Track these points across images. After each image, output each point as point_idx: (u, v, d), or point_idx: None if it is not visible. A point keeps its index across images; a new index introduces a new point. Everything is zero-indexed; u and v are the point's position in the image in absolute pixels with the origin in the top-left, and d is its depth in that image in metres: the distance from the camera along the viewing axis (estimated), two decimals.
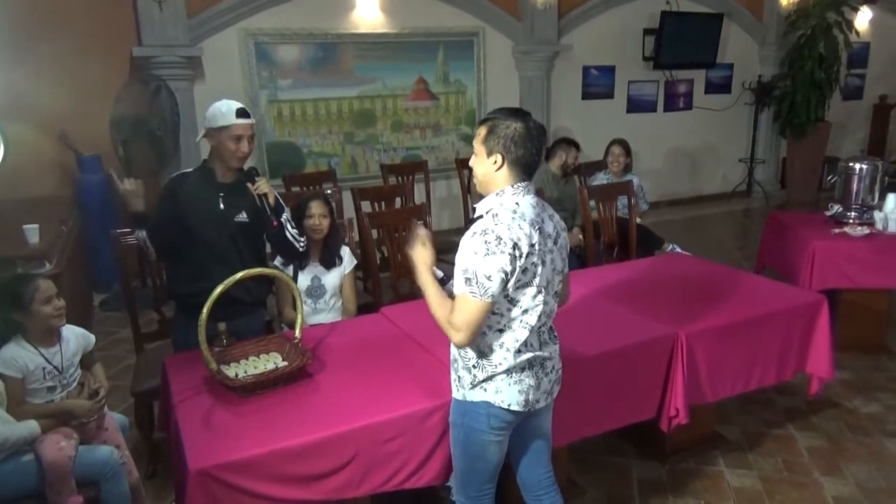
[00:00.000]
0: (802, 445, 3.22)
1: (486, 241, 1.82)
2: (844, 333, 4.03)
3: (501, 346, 1.94)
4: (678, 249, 4.69)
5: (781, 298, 3.10)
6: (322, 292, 3.24)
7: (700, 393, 2.79)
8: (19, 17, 4.98)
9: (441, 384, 2.23)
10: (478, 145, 1.95)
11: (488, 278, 1.82)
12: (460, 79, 6.96)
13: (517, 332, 1.94)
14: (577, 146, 5.00)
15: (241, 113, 2.66)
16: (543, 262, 1.91)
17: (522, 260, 1.85)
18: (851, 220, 4.31)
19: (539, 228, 1.90)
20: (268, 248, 3.01)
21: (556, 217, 2.05)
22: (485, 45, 6.95)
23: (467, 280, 1.84)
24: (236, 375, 2.33)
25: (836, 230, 4.25)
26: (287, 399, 2.25)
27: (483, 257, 1.82)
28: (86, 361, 2.60)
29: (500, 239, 1.82)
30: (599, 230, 4.52)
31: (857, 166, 4.32)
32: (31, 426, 2.26)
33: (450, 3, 6.68)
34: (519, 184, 1.93)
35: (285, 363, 2.43)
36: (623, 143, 5.09)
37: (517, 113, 1.94)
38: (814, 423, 3.40)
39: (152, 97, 5.39)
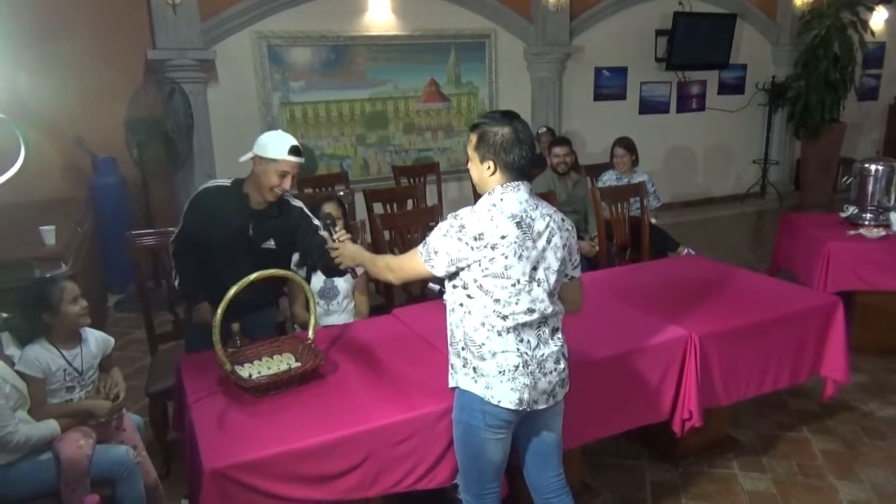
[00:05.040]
0: (817, 449, 3.19)
1: (450, 225, 1.97)
2: (860, 336, 3.99)
3: (483, 325, 1.98)
4: (693, 254, 4.66)
5: (796, 300, 3.08)
6: (335, 294, 3.25)
7: (713, 395, 2.78)
8: (35, 20, 5.05)
9: None
10: (471, 151, 2.05)
11: (435, 252, 1.99)
12: (472, 80, 6.96)
13: (492, 319, 1.97)
14: (559, 143, 4.91)
15: (294, 151, 2.67)
16: (520, 256, 1.93)
17: (487, 249, 1.91)
18: (867, 222, 4.28)
19: (518, 223, 1.93)
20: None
21: (556, 217, 2.03)
22: (496, 47, 6.95)
23: (424, 242, 2.04)
24: (250, 376, 2.34)
25: (852, 232, 4.22)
26: (300, 400, 2.26)
27: (441, 236, 1.98)
28: (104, 364, 2.63)
29: (464, 228, 1.93)
30: (612, 231, 4.51)
31: (873, 167, 4.29)
32: (52, 425, 2.30)
33: (461, 4, 6.69)
34: (509, 183, 1.99)
35: (298, 364, 2.44)
36: (625, 144, 5.07)
37: (505, 116, 2.01)
38: (828, 427, 3.37)
39: (166, 100, 5.44)
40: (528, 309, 1.97)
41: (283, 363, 2.46)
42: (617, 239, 4.53)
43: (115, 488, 2.37)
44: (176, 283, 2.90)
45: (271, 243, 2.79)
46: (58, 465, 2.26)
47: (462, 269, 1.97)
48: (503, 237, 1.91)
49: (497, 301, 1.95)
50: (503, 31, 6.95)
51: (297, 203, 2.89)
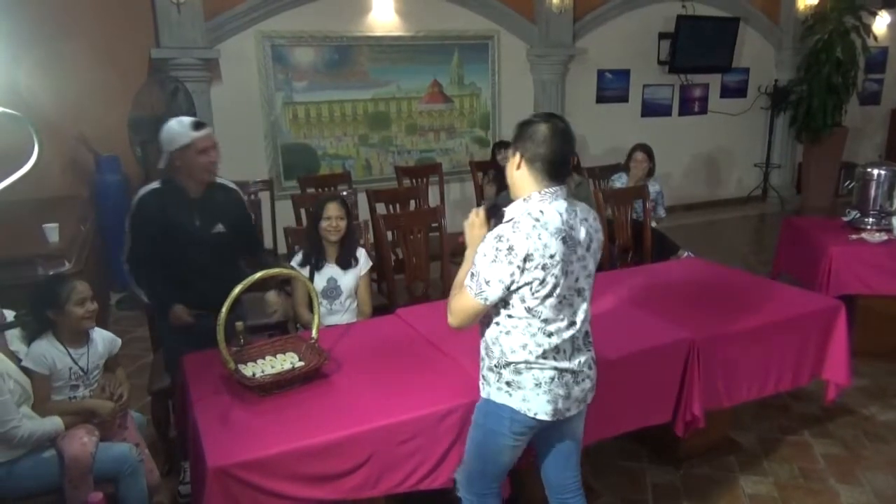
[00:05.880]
0: (818, 452, 3.20)
1: (497, 248, 1.84)
2: (862, 340, 3.98)
3: (524, 347, 1.93)
4: (692, 257, 4.66)
5: (798, 304, 3.09)
6: (338, 293, 3.25)
7: (716, 397, 2.78)
8: (39, 19, 5.05)
9: (456, 386, 2.24)
10: (510, 151, 1.98)
11: (487, 283, 1.86)
12: (475, 81, 6.96)
13: (538, 338, 1.92)
14: None
15: (197, 125, 2.69)
16: (566, 273, 1.88)
17: (538, 271, 1.84)
18: (869, 227, 4.29)
19: (564, 238, 1.87)
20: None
21: (591, 219, 2.00)
22: (499, 48, 6.95)
23: (472, 275, 1.91)
24: (253, 375, 2.35)
25: (854, 236, 4.22)
26: (303, 399, 2.27)
27: (490, 262, 1.85)
28: (109, 364, 2.63)
29: (512, 249, 1.82)
30: (614, 234, 4.51)
31: (876, 172, 4.30)
32: (56, 422, 2.31)
33: (465, 5, 6.69)
34: (546, 189, 1.91)
35: (302, 363, 2.44)
36: (646, 149, 5.03)
37: (547, 115, 1.97)
38: (830, 430, 3.38)
39: (169, 99, 5.43)
40: (571, 322, 1.95)
41: (286, 362, 2.46)
42: (619, 241, 4.54)
43: (118, 486, 2.38)
44: (144, 297, 2.85)
45: (220, 227, 2.82)
46: (61, 463, 2.27)
47: (513, 291, 1.88)
48: (552, 256, 1.84)
49: (545, 321, 1.91)
50: (506, 32, 6.95)
51: (233, 185, 2.93)
